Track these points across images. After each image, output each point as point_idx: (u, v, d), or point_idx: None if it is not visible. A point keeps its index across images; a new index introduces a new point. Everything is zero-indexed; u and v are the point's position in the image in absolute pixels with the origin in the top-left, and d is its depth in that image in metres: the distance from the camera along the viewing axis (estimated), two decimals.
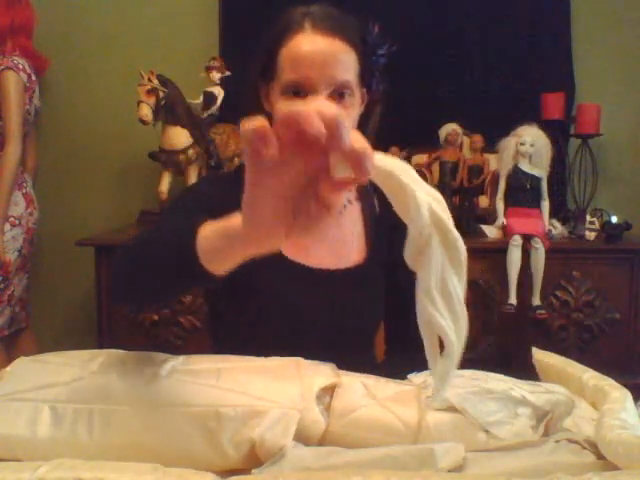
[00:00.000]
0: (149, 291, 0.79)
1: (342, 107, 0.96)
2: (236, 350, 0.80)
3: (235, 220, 0.57)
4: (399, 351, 1.13)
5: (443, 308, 0.58)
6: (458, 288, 0.59)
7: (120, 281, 0.84)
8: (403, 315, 1.16)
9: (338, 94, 0.95)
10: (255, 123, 0.47)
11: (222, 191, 0.94)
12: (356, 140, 0.49)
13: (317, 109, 0.47)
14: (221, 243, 0.61)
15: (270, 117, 1.01)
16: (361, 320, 1.07)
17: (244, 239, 0.57)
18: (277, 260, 1.02)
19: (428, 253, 0.55)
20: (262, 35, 1.01)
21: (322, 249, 1.06)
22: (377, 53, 1.02)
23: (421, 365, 0.88)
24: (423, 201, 0.53)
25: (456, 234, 0.56)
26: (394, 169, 0.54)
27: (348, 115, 0.97)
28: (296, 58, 0.94)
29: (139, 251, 0.80)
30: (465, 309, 0.59)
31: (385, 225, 1.10)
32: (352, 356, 0.89)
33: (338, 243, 1.07)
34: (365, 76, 1.00)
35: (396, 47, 1.03)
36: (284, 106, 0.94)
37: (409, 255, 0.56)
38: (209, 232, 0.63)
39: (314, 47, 0.94)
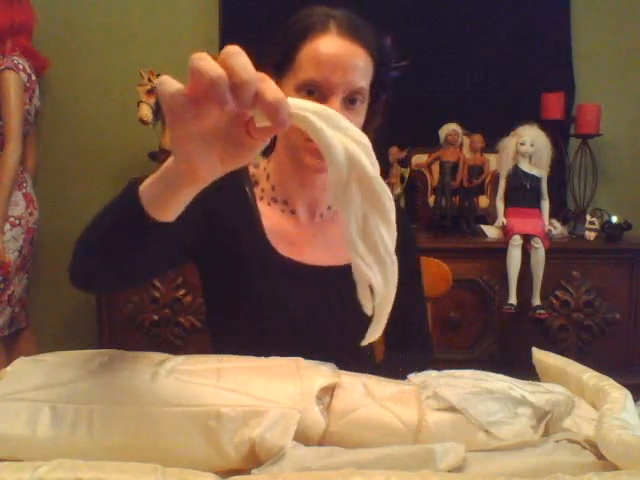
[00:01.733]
0: (104, 259, 0.75)
1: (353, 112, 0.97)
2: (235, 350, 0.80)
3: (169, 162, 0.60)
4: (397, 351, 1.13)
5: (367, 256, 0.56)
6: (385, 236, 0.56)
7: (77, 257, 0.79)
8: (401, 314, 1.16)
9: (350, 99, 0.97)
10: (171, 88, 0.51)
11: (224, 190, 0.95)
12: (270, 91, 0.52)
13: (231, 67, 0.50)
14: (161, 186, 0.63)
15: None
16: (358, 317, 1.08)
17: (180, 175, 0.60)
18: (271, 258, 1.03)
19: (347, 198, 0.54)
20: (280, 30, 1.01)
21: (316, 247, 1.06)
22: (390, 65, 1.04)
23: (419, 364, 0.89)
24: (336, 144, 0.52)
25: (376, 178, 0.54)
26: (310, 115, 0.54)
27: (356, 121, 0.98)
28: (319, 58, 0.95)
29: (91, 223, 0.77)
30: (394, 259, 0.57)
31: None
32: (351, 354, 0.89)
33: (333, 241, 1.08)
34: (375, 86, 1.02)
35: (406, 63, 1.06)
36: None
37: (332, 197, 0.55)
38: (148, 182, 0.65)
39: (338, 50, 0.95)
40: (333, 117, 0.54)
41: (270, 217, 1.06)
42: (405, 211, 1.29)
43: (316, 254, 1.05)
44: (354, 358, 0.87)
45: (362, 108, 1.00)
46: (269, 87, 0.52)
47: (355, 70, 0.96)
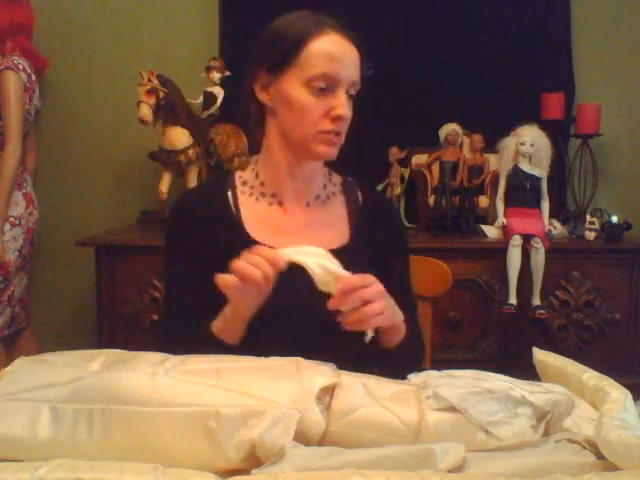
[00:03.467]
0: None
1: (349, 104, 1.07)
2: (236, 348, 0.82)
3: (226, 310, 1.00)
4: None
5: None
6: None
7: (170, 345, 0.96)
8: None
9: (349, 93, 1.06)
10: (232, 283, 0.92)
11: (205, 206, 1.13)
12: (269, 254, 0.92)
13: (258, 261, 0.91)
14: (225, 324, 1.02)
15: (260, 105, 1.11)
16: None
17: (235, 316, 1.00)
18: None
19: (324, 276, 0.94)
20: (271, 34, 1.09)
21: (304, 234, 1.11)
22: (368, 65, 1.12)
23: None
24: (314, 267, 0.92)
25: (337, 271, 0.93)
26: (294, 255, 0.93)
27: (350, 110, 1.07)
28: (330, 54, 1.04)
29: (178, 346, 0.90)
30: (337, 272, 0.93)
31: (368, 213, 1.19)
32: (347, 342, 0.90)
33: (320, 227, 1.14)
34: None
35: (373, 70, 1.13)
36: (305, 99, 1.04)
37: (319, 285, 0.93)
38: (217, 324, 1.02)
39: (344, 47, 1.06)
40: (305, 249, 0.95)
41: (255, 211, 1.14)
42: (398, 212, 1.37)
43: (303, 241, 1.05)
44: (349, 345, 0.91)
45: (352, 100, 1.09)
46: (266, 252, 0.93)
47: (355, 66, 1.06)
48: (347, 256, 1.09)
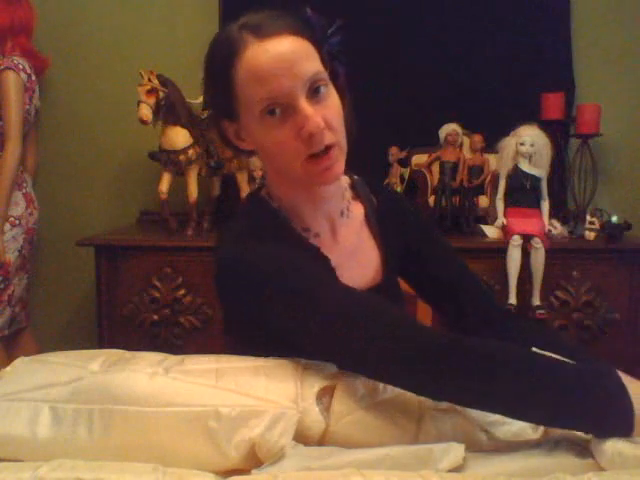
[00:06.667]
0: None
1: (322, 101, 0.88)
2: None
3: None
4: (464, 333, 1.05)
5: None
6: None
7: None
8: (452, 299, 1.10)
9: (313, 90, 0.87)
10: None
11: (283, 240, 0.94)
12: None
13: None
14: None
15: (242, 151, 0.99)
16: None
17: None
18: None
19: None
20: (208, 76, 0.94)
21: (349, 267, 0.99)
22: (328, 35, 0.93)
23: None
24: None
25: None
26: None
27: (331, 106, 0.89)
28: (258, 73, 0.85)
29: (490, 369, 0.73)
30: None
31: (389, 214, 1.10)
32: None
33: (362, 245, 1.06)
34: (327, 63, 0.92)
35: (341, 21, 0.94)
36: (271, 134, 0.88)
37: None
38: None
39: (270, 53, 0.85)
40: None
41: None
42: (406, 199, 1.25)
43: (353, 276, 0.98)
44: None
45: (329, 91, 0.90)
46: None
47: (299, 60, 0.86)
48: (384, 268, 1.06)
